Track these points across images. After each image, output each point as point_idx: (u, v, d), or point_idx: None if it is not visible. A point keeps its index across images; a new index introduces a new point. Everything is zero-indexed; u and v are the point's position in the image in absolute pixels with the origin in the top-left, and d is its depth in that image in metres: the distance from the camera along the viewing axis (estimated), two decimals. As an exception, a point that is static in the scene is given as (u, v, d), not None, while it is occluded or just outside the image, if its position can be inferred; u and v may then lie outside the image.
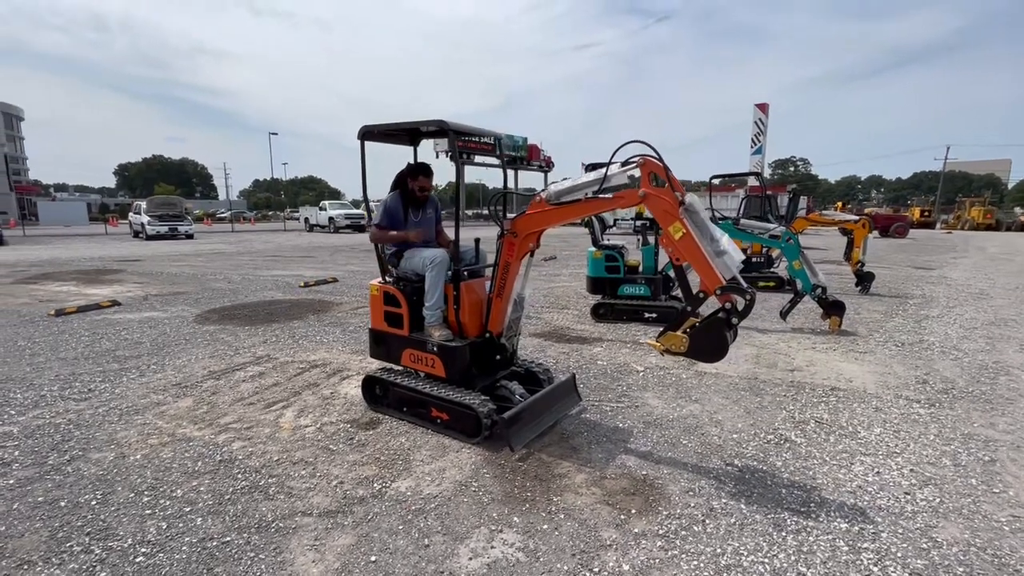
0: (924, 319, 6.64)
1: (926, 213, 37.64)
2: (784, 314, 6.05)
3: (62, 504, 2.50)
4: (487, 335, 3.35)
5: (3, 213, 21.07)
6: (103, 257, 14.22)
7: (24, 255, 14.76)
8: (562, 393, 3.55)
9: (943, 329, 6.09)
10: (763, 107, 41.66)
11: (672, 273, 6.52)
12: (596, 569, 2.07)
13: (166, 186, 67.47)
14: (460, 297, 3.30)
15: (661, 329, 2.79)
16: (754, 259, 9.15)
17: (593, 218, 6.57)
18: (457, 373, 3.26)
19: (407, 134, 3.65)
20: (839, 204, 41.64)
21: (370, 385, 3.66)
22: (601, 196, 2.88)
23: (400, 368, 3.60)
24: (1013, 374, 4.48)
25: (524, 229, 3.13)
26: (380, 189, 3.88)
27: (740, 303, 2.51)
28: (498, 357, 3.41)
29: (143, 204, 23.02)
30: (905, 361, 4.85)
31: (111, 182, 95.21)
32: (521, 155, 38.18)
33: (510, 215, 3.24)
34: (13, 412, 3.58)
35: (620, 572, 2.06)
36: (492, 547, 2.20)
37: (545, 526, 2.34)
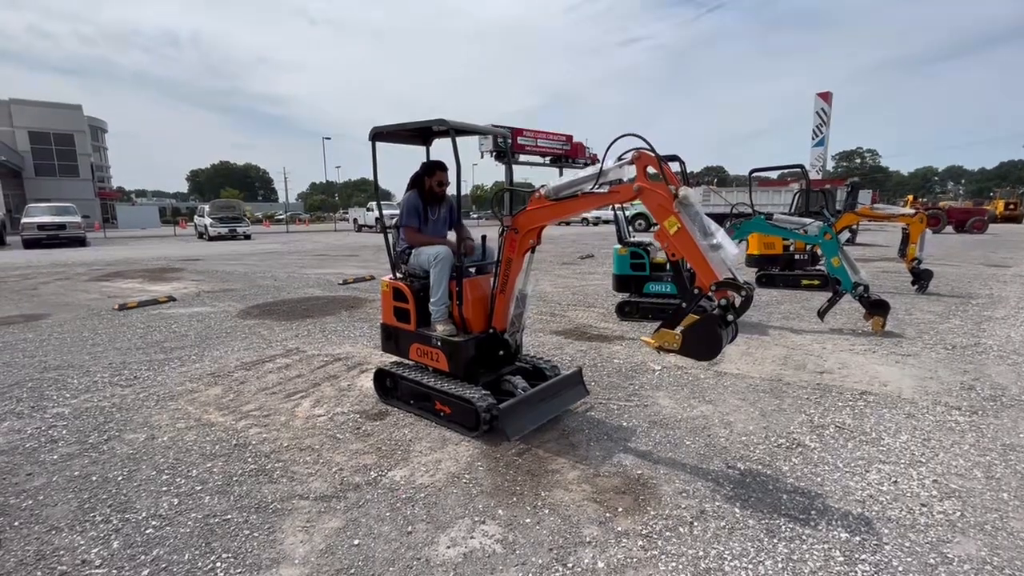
0: (986, 321, 6.09)
1: (1011, 206, 34.27)
2: (822, 313, 5.73)
3: (93, 479, 2.75)
4: (491, 331, 3.39)
5: (86, 217, 23.07)
6: (168, 257, 15.37)
7: (102, 255, 16.18)
8: (566, 386, 3.53)
9: (1005, 332, 5.57)
10: (826, 96, 39.42)
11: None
12: (570, 565, 2.06)
13: (231, 190, 71.95)
14: (463, 293, 3.35)
15: (657, 325, 2.73)
16: (797, 256, 8.70)
17: (618, 214, 6.47)
18: (460, 367, 3.31)
19: (418, 134, 3.74)
20: (910, 198, 38.73)
21: (381, 378, 3.78)
22: (597, 191, 2.86)
23: (412, 362, 3.70)
24: (1080, 382, 4.05)
25: (525, 225, 3.14)
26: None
27: (736, 299, 2.44)
28: (501, 353, 3.44)
29: (206, 207, 24.67)
30: (952, 365, 4.48)
31: (184, 187, 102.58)
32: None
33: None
34: (68, 395, 3.96)
35: (594, 570, 2.04)
36: (472, 537, 2.24)
37: (528, 520, 2.35)
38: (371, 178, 3.86)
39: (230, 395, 3.95)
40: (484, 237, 3.68)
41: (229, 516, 2.41)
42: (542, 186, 3.11)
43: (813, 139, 40.08)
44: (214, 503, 2.52)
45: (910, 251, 7.68)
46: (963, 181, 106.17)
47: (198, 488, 2.65)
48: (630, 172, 2.76)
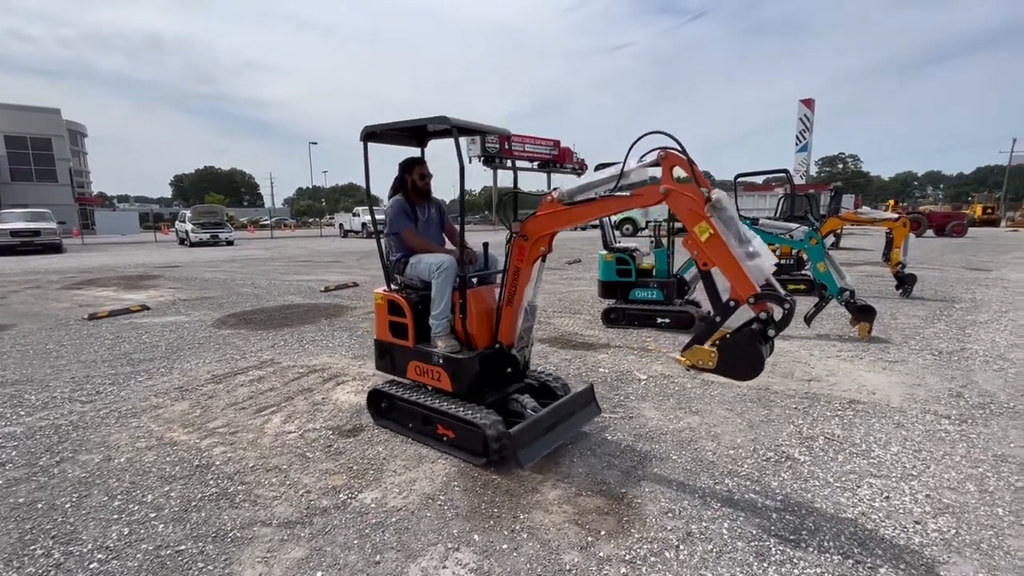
0: (970, 325, 6.09)
1: (989, 210, 35.02)
2: (808, 319, 5.68)
3: (39, 506, 2.55)
4: (497, 346, 3.12)
5: (62, 223, 22.50)
6: (147, 264, 14.98)
7: (77, 262, 15.72)
8: (578, 405, 3.24)
9: (990, 336, 5.56)
10: (808, 103, 40.07)
11: (687, 276, 6.25)
12: (549, 596, 1.93)
13: (216, 195, 70.83)
14: (467, 305, 3.06)
15: (687, 341, 2.45)
16: (783, 261, 8.69)
17: (604, 219, 6.37)
18: (464, 387, 3.04)
19: (413, 134, 3.48)
20: (891, 202, 39.38)
21: (376, 399, 3.47)
22: (618, 194, 2.60)
23: (408, 382, 3.38)
24: (1066, 387, 4.01)
25: (535, 232, 2.88)
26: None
27: (777, 312, 2.19)
28: (509, 369, 3.19)
29: (187, 213, 24.20)
30: (940, 371, 4.43)
31: (168, 192, 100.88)
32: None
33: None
34: (23, 413, 3.73)
35: (574, 601, 1.90)
36: (444, 567, 2.09)
37: (505, 546, 2.21)
38: (359, 182, 3.65)
39: (197, 411, 3.76)
40: (486, 244, 3.44)
41: (183, 546, 2.23)
42: (554, 189, 2.88)
43: (796, 144, 40.69)
44: (168, 532, 2.34)
45: (894, 255, 7.70)
46: (942, 186, 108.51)
47: (152, 515, 2.46)
48: (653, 173, 2.52)
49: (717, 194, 2.25)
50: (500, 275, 3.10)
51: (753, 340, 2.21)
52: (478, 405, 3.00)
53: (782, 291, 2.20)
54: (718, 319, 2.36)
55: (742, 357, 2.26)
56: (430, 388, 3.25)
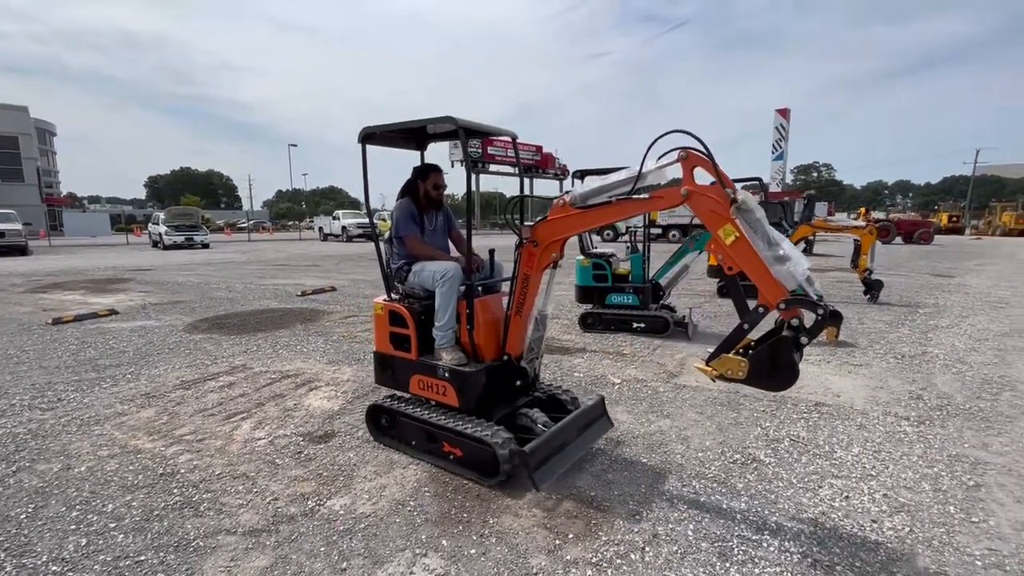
0: (932, 330, 6.30)
1: (954, 219, 36.35)
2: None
3: (-8, 518, 2.47)
4: (505, 358, 2.96)
5: (28, 224, 21.78)
6: (117, 267, 14.59)
7: (44, 265, 15.23)
8: (591, 418, 3.12)
9: (951, 340, 5.77)
10: (784, 112, 41.03)
11: (663, 281, 6.35)
12: (515, 600, 1.94)
13: (192, 197, 69.28)
14: (474, 315, 2.90)
15: (712, 350, 2.31)
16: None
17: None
18: (471, 401, 2.87)
19: (413, 136, 3.36)
20: (863, 210, 40.59)
21: (375, 415, 3.30)
22: (636, 197, 2.47)
23: (409, 396, 3.22)
24: (1019, 390, 4.18)
25: (546, 237, 2.74)
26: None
27: (809, 319, 2.06)
28: (518, 382, 3.01)
29: (161, 215, 23.65)
30: (902, 375, 4.58)
31: (142, 194, 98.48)
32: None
33: (528, 223, 2.85)
34: (-22, 421, 3.61)
35: (540, 604, 1.92)
36: (411, 573, 2.08)
37: (473, 551, 2.22)
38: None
39: (164, 417, 3.67)
40: (492, 251, 3.36)
41: (143, 557, 2.18)
42: (566, 192, 2.72)
43: (773, 153, 41.62)
44: (128, 542, 2.28)
45: (861, 262, 7.94)
46: (910, 194, 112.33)
47: (112, 525, 2.41)
48: (673, 174, 2.41)
49: (743, 195, 2.15)
50: (508, 283, 2.98)
51: (787, 348, 2.09)
52: (487, 421, 2.85)
53: (814, 296, 2.11)
54: (746, 326, 2.23)
55: (775, 366, 2.13)
56: (433, 403, 3.10)
